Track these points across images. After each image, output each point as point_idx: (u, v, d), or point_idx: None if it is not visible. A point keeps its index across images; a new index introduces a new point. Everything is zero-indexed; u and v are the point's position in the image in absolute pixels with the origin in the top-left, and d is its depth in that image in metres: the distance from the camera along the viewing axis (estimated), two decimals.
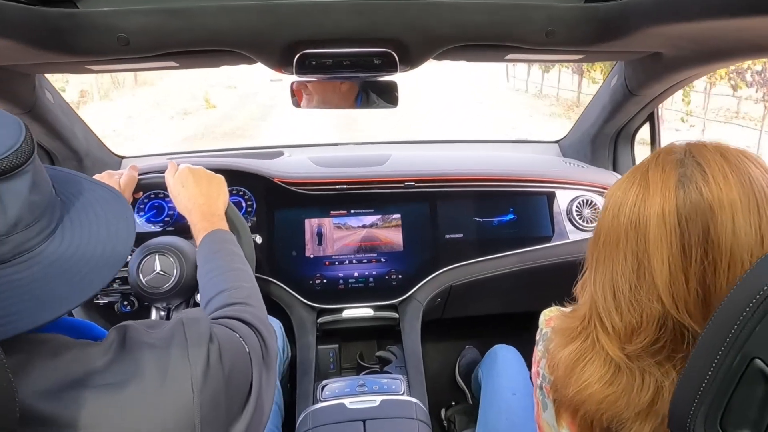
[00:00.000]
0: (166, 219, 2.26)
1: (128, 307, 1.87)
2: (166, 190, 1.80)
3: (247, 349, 1.20)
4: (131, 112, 19.93)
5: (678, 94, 16.05)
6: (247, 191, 2.31)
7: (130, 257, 1.78)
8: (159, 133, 16.63)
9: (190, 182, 1.74)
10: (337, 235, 2.32)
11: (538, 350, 1.37)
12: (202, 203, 1.70)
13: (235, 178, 2.27)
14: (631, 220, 1.03)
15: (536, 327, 1.41)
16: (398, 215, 2.36)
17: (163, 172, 1.82)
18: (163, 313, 1.81)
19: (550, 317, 1.36)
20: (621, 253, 1.04)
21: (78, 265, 0.95)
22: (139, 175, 1.87)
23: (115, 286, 1.86)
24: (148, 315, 1.81)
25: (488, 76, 27.96)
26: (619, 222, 1.05)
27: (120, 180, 1.80)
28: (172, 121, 18.98)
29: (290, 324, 2.31)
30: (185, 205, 1.72)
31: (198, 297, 1.74)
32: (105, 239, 1.01)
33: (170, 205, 2.26)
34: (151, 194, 2.27)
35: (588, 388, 1.11)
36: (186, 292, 1.76)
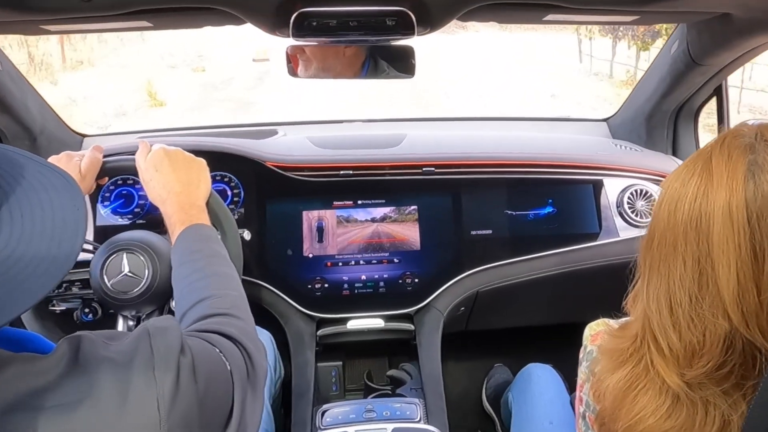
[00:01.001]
0: (136, 210, 2.25)
1: (90, 316, 1.86)
2: (136, 175, 1.79)
3: (228, 366, 1.20)
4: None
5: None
6: (233, 177, 2.30)
7: (92, 256, 1.78)
8: None
9: (165, 166, 1.72)
10: (341, 231, 2.31)
11: (582, 371, 1.36)
12: (179, 191, 1.69)
13: (219, 161, 2.25)
14: (691, 217, 1.00)
15: (579, 343, 1.39)
16: (415, 207, 2.34)
17: (133, 154, 1.81)
18: (131, 322, 1.80)
19: (596, 332, 1.35)
20: (679, 257, 1.02)
21: (14, 268, 0.91)
22: (104, 156, 1.85)
23: (75, 290, 1.85)
24: (113, 325, 1.80)
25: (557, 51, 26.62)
26: (677, 220, 1.02)
27: (81, 163, 1.79)
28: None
29: (284, 337, 2.30)
30: (159, 194, 1.71)
31: (173, 304, 1.74)
32: (50, 235, 0.97)
33: (141, 193, 2.25)
34: (118, 180, 2.27)
35: (641, 422, 1.09)
36: (159, 298, 1.76)
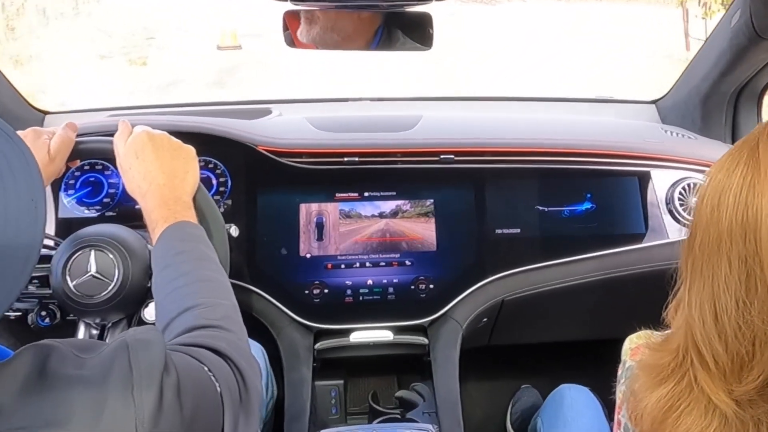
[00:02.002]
0: (105, 200, 2.25)
1: (47, 320, 1.84)
2: (111, 160, 1.78)
3: (218, 388, 1.19)
4: None
5: None
6: (219, 163, 2.30)
7: (54, 252, 1.77)
8: None
9: (147, 153, 1.71)
10: (345, 228, 2.31)
11: (620, 391, 1.36)
12: (163, 183, 1.67)
13: (203, 144, 2.21)
14: (736, 212, 0.99)
15: (618, 360, 1.39)
16: (431, 201, 2.34)
17: (112, 135, 1.79)
18: (94, 331, 1.79)
19: (637, 346, 1.35)
20: (723, 258, 1.01)
21: None
22: (78, 136, 1.84)
23: (32, 288, 1.83)
24: (73, 332, 1.80)
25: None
26: (720, 215, 1.01)
27: (50, 142, 1.76)
28: None
29: (276, 351, 2.29)
30: (138, 185, 1.69)
31: (146, 312, 1.73)
32: (2, 222, 0.94)
33: (111, 180, 2.25)
34: (84, 165, 2.26)
35: None
36: (129, 304, 1.75)
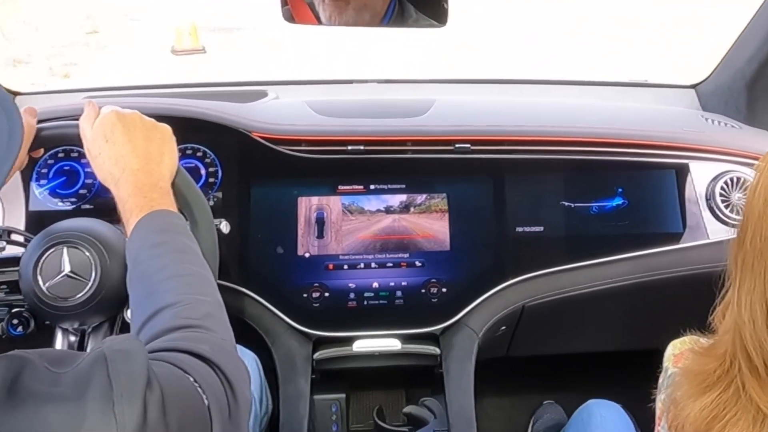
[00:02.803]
0: (82, 191, 2.25)
1: (20, 329, 1.82)
2: (81, 146, 1.77)
3: (206, 401, 1.18)
4: None
5: None
6: (208, 151, 2.29)
7: (23, 251, 1.76)
8: None
9: (117, 135, 1.69)
10: (348, 224, 2.30)
11: (661, 401, 1.36)
12: (137, 168, 1.66)
13: (191, 130, 2.24)
14: None
15: (654, 373, 1.39)
16: (444, 195, 2.33)
17: (77, 119, 1.78)
18: (73, 338, 1.79)
19: (681, 352, 1.35)
20: None
21: None
22: (40, 122, 1.83)
23: (0, 295, 1.83)
24: (49, 341, 1.79)
25: None
26: None
27: None
28: None
29: (271, 361, 2.29)
30: (110, 172, 1.67)
31: (128, 315, 1.72)
32: None
33: (88, 169, 2.23)
34: (59, 153, 2.25)
35: None
36: (110, 305, 1.74)
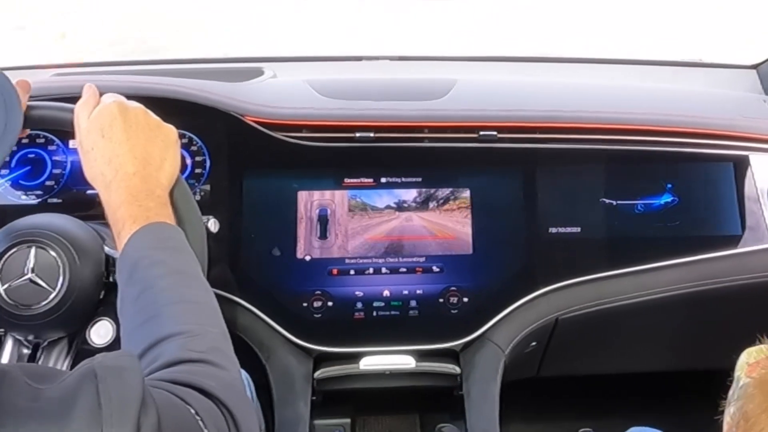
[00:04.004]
0: (49, 183, 2.23)
1: None
2: (63, 134, 1.76)
3: None
4: None
5: None
6: (194, 138, 2.29)
7: None
8: None
9: (116, 130, 1.66)
10: (355, 223, 2.30)
11: (729, 414, 1.35)
12: (133, 172, 1.64)
13: (174, 113, 2.17)
14: None
15: (709, 399, 1.39)
16: (466, 190, 2.33)
17: (74, 102, 1.76)
18: (25, 350, 1.78)
19: (756, 360, 1.35)
20: None
21: None
22: (32, 98, 1.82)
23: None
24: None
25: None
26: None
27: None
28: None
29: (265, 379, 2.28)
30: (101, 171, 1.65)
31: (93, 332, 1.72)
32: None
33: (56, 158, 2.24)
34: (22, 139, 2.23)
35: None
36: (75, 319, 1.74)
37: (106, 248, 1.76)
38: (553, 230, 2.34)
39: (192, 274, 1.56)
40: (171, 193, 1.71)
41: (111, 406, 1.00)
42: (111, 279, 1.77)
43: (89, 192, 1.71)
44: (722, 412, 1.39)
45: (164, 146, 1.71)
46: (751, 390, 1.25)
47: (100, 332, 1.74)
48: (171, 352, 1.35)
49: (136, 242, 1.55)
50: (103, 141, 1.65)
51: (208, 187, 2.26)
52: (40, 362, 1.76)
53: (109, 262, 1.80)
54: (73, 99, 1.76)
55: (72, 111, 1.74)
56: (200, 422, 1.18)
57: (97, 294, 1.70)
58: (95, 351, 1.61)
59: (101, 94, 1.75)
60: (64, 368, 1.69)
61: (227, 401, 1.27)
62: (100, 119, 1.67)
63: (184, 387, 1.24)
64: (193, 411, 1.18)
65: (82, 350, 1.78)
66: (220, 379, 1.32)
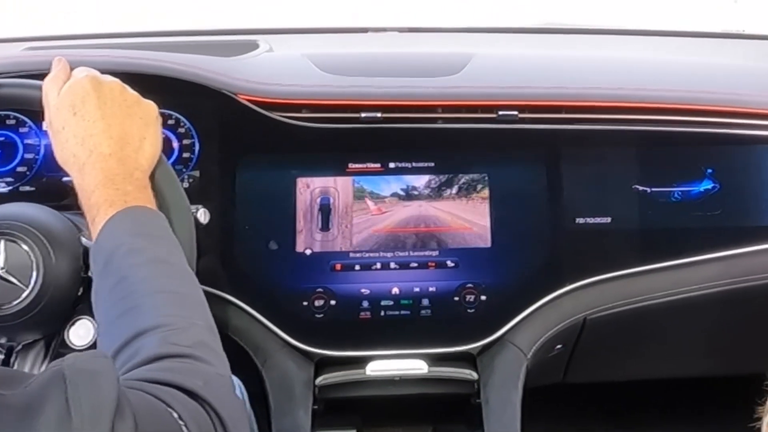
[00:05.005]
0: (20, 169, 2.24)
1: None
2: (38, 116, 1.76)
3: None
4: None
5: None
6: (182, 119, 2.29)
7: None
8: None
9: (89, 107, 1.66)
10: (361, 213, 2.30)
11: (766, 423, 1.35)
12: (109, 153, 1.63)
13: (159, 91, 2.16)
14: None
15: (746, 402, 1.39)
16: (483, 176, 2.32)
17: (42, 77, 1.76)
18: None
19: None
20: None
21: None
22: None
23: None
24: None
25: None
26: None
27: None
28: None
29: (261, 386, 2.28)
30: (73, 153, 1.65)
31: (72, 333, 1.71)
32: None
33: (28, 141, 2.24)
34: None
35: None
36: (51, 320, 1.74)
37: (83, 240, 1.76)
38: (581, 221, 2.34)
39: (175, 263, 1.55)
40: (152, 176, 1.71)
41: (82, 414, 0.99)
42: (90, 274, 1.74)
43: (65, 179, 1.69)
44: (759, 419, 1.39)
45: (143, 124, 1.71)
46: None
47: (80, 333, 1.74)
48: (151, 346, 1.34)
49: (113, 228, 1.54)
50: (75, 119, 1.64)
51: (197, 173, 2.25)
52: (14, 368, 1.76)
53: (87, 256, 1.76)
54: (45, 75, 1.75)
55: (40, 88, 1.73)
56: (184, 427, 1.16)
57: (74, 291, 1.69)
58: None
59: (72, 69, 1.74)
60: None
61: (214, 402, 1.26)
62: (71, 95, 1.66)
63: (165, 387, 1.23)
64: (176, 415, 1.17)
65: (60, 353, 1.76)
66: (207, 376, 1.31)
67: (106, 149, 1.62)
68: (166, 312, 1.41)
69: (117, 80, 1.73)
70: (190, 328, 1.40)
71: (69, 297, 1.66)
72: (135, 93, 1.73)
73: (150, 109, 1.74)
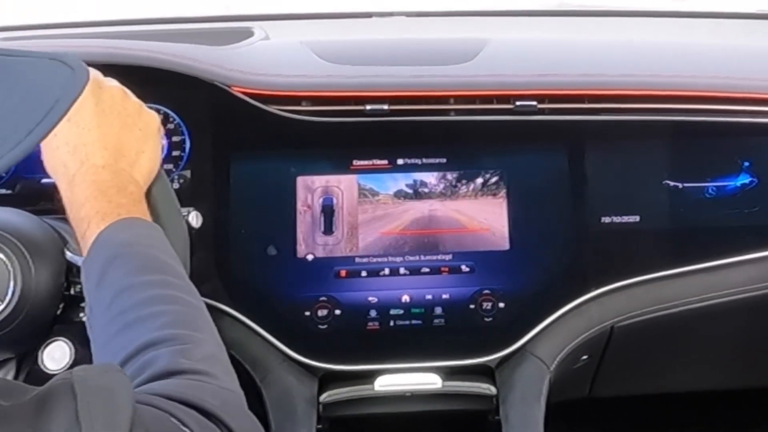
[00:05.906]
0: None
1: None
2: None
3: None
4: None
5: None
6: (171, 113, 2.28)
7: None
8: None
9: (85, 114, 1.65)
10: (367, 214, 2.29)
11: None
12: (101, 164, 1.63)
13: (147, 83, 2.17)
14: None
15: None
16: (500, 172, 2.31)
17: None
18: None
19: None
20: None
21: None
22: None
23: None
24: None
25: None
26: None
27: None
28: None
29: (261, 404, 2.27)
30: (63, 161, 1.65)
31: (46, 355, 1.71)
32: None
33: None
34: None
35: None
36: (26, 337, 1.73)
37: (68, 253, 1.74)
38: (606, 220, 2.33)
39: (176, 274, 1.54)
40: (148, 192, 1.70)
41: (92, 427, 0.97)
42: (72, 292, 1.75)
43: (44, 181, 1.68)
44: None
45: (142, 136, 1.70)
46: None
47: (55, 355, 1.73)
48: (160, 361, 1.33)
49: (106, 240, 1.53)
50: (68, 125, 1.62)
51: (188, 173, 2.25)
52: None
53: (72, 272, 1.77)
54: None
55: None
56: None
57: (54, 308, 1.68)
58: (48, 377, 1.60)
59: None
60: None
61: (230, 422, 1.25)
62: None
63: (178, 404, 1.22)
64: None
65: (32, 373, 1.77)
66: (220, 394, 1.30)
67: (99, 160, 1.62)
68: (172, 326, 1.41)
69: (120, 86, 1.72)
70: (200, 343, 1.40)
71: (47, 314, 1.65)
72: (138, 101, 1.73)
73: (151, 120, 1.74)
